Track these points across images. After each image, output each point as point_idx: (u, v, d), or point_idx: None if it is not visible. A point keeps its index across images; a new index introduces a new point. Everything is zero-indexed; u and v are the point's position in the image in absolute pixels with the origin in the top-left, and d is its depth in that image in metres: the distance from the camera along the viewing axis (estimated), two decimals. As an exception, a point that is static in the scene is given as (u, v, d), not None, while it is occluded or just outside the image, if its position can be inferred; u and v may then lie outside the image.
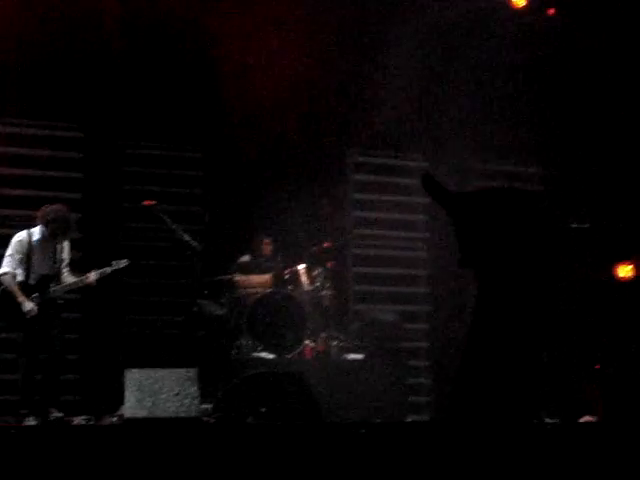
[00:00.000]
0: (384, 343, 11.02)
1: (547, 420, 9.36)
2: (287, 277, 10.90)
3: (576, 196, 12.31)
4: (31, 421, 8.87)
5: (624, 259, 10.32)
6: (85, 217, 10.99)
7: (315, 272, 10.97)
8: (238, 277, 10.90)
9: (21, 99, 10.98)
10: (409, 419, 10.77)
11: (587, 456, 7.33)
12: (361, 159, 12.64)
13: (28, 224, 10.91)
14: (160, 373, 8.53)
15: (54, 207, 9.48)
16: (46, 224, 9.41)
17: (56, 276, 9.40)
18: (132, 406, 8.40)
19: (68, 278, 9.46)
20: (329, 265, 11.16)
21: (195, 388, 8.52)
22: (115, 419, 8.75)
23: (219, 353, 10.37)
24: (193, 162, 11.81)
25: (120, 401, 8.60)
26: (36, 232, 9.46)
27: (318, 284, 10.94)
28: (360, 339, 11.29)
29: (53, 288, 9.33)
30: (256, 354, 10.37)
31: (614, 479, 7.18)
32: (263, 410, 9.24)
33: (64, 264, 9.50)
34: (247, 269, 11.05)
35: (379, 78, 11.97)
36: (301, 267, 10.94)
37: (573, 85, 12.46)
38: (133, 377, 8.47)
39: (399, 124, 12.21)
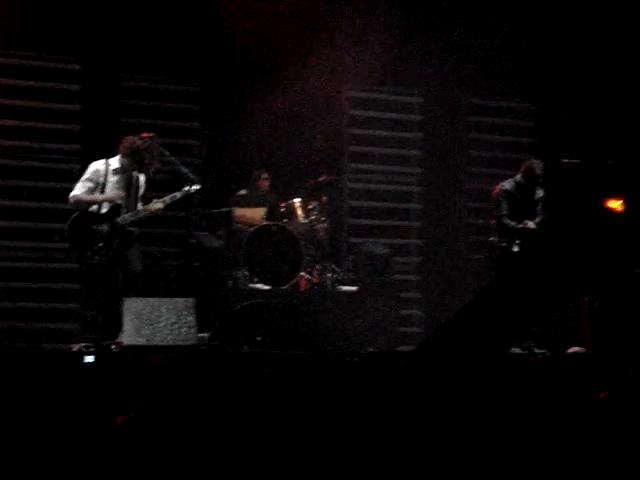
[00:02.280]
0: (377, 275, 11.21)
1: (536, 351, 9.58)
2: (283, 210, 10.99)
3: (566, 131, 12.42)
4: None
5: (614, 194, 10.44)
6: (83, 149, 11.03)
7: (310, 206, 11.06)
8: (235, 210, 11.04)
9: (19, 30, 10.88)
10: (401, 349, 10.98)
11: (575, 387, 7.53)
12: (357, 94, 12.72)
13: (26, 155, 11.08)
14: (158, 302, 8.63)
15: (138, 139, 9.38)
16: (127, 155, 9.33)
17: (128, 207, 9.31)
18: (130, 334, 8.53)
19: (139, 208, 9.40)
20: (324, 199, 11.27)
21: (192, 317, 8.62)
22: (114, 347, 8.89)
23: (216, 284, 10.50)
24: (191, 95, 11.85)
25: (119, 329, 8.76)
26: (115, 162, 9.37)
27: (313, 217, 11.03)
28: (354, 271, 11.48)
29: (122, 216, 9.24)
30: (252, 285, 10.50)
31: (601, 411, 7.39)
32: (258, 339, 9.43)
33: (138, 196, 9.43)
34: (244, 202, 11.17)
35: (375, 15, 12.02)
36: (297, 201, 11.03)
37: (564, 20, 12.49)
38: (132, 306, 8.57)
39: (394, 60, 12.27)
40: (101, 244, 9.17)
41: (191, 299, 8.75)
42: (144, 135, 9.55)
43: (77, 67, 11.32)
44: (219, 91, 11.74)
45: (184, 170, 9.64)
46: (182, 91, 11.83)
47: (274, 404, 7.23)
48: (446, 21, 12.29)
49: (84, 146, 11.09)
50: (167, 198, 9.41)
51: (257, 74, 11.63)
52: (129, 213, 9.31)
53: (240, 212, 11.05)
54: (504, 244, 10.27)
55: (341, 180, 12.41)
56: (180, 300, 8.73)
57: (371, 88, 12.65)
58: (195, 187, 9.46)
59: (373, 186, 12.70)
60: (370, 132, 12.70)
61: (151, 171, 9.42)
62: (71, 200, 9.33)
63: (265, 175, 11.36)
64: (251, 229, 10.72)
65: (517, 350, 9.53)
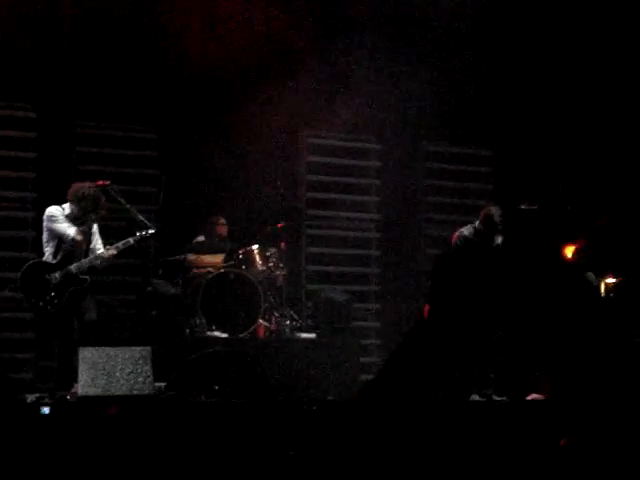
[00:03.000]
0: (336, 322, 11.15)
1: (495, 397, 9.53)
2: (241, 257, 10.95)
3: (524, 177, 12.48)
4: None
5: (571, 241, 10.49)
6: (39, 197, 10.95)
7: (268, 252, 11.03)
8: (192, 257, 10.96)
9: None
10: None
11: (534, 434, 7.48)
12: (315, 141, 12.73)
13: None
14: (114, 351, 8.54)
15: (84, 185, 9.31)
16: (75, 202, 9.24)
17: (80, 255, 9.21)
18: (86, 384, 8.42)
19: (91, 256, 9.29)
20: (282, 245, 11.24)
21: (149, 366, 8.53)
22: (69, 397, 8.76)
23: (173, 332, 10.41)
24: (147, 142, 11.82)
25: (74, 379, 8.63)
26: (67, 208, 9.28)
27: (271, 264, 11.00)
28: (313, 318, 11.42)
29: (74, 264, 9.15)
30: (209, 333, 10.42)
31: (560, 456, 7.35)
32: (216, 388, 9.32)
33: (93, 244, 9.33)
34: (201, 249, 11.10)
35: (333, 62, 12.07)
36: (255, 247, 11.00)
37: (520, 67, 12.60)
38: (87, 355, 8.47)
39: (354, 107, 12.30)
40: (53, 293, 9.07)
41: (147, 348, 8.65)
42: (99, 183, 9.50)
43: (33, 115, 11.25)
44: (176, 138, 11.71)
45: (140, 217, 9.58)
46: (139, 138, 11.80)
47: (232, 453, 7.13)
48: (404, 69, 12.33)
49: (40, 194, 10.99)
50: (120, 244, 9.33)
51: (214, 121, 11.63)
52: (82, 261, 9.22)
53: (197, 259, 10.97)
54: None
55: (299, 226, 12.39)
56: (136, 349, 8.63)
57: (329, 135, 12.67)
58: (149, 231, 9.39)
59: (332, 232, 12.68)
60: (328, 178, 12.70)
61: (95, 218, 9.31)
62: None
63: (222, 221, 11.31)
64: (208, 276, 10.65)
65: (476, 397, 9.48)
